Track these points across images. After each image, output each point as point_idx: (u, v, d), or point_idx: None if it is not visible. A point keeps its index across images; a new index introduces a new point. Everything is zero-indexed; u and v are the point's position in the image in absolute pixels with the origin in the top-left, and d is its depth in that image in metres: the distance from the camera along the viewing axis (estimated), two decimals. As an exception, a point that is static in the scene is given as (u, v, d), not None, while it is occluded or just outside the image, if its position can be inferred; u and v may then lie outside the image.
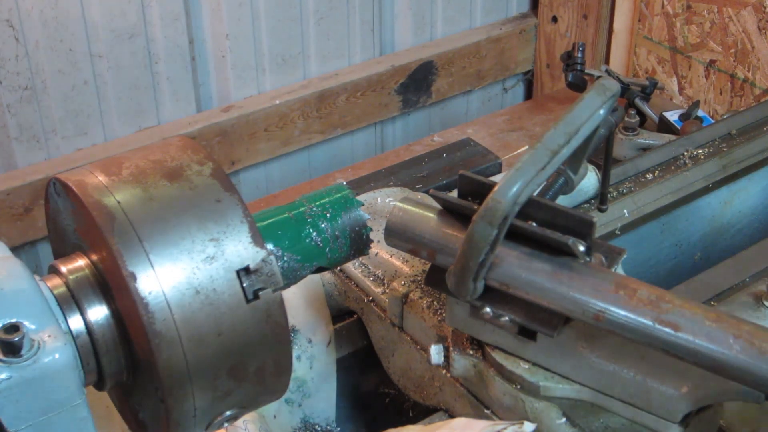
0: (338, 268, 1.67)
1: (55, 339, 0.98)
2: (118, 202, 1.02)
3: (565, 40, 3.39)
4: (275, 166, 3.10)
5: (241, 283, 1.04)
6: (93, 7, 2.54)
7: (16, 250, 2.61)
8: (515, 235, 1.23)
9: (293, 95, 2.98)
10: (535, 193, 1.21)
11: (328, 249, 1.21)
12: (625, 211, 1.86)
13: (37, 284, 1.03)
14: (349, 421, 1.80)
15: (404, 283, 1.56)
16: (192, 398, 1.04)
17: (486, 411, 1.41)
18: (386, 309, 1.60)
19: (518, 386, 1.35)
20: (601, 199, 1.63)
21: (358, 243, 1.24)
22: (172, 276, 1.00)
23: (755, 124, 2.12)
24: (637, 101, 2.88)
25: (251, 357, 1.06)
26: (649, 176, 1.94)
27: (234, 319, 1.04)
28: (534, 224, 1.23)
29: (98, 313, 1.06)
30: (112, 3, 2.57)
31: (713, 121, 2.73)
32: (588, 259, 1.23)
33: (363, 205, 1.25)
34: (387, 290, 1.60)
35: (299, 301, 1.67)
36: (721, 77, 3.00)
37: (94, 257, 1.07)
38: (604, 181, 1.58)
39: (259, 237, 1.06)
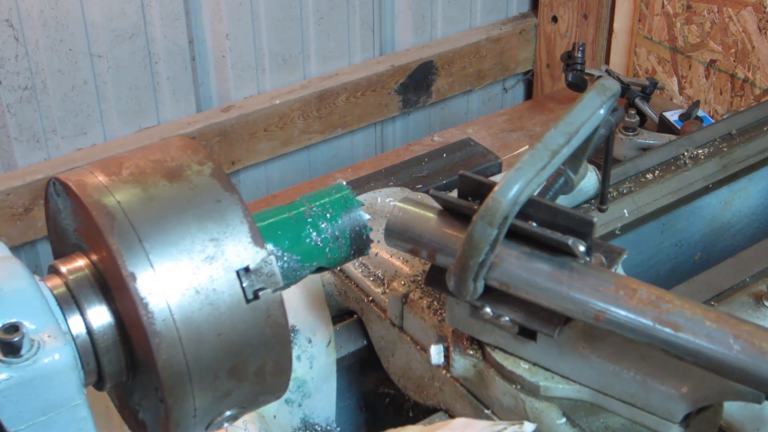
0: (338, 268, 1.67)
1: (54, 339, 0.98)
2: (118, 202, 1.02)
3: (565, 40, 3.39)
4: (275, 166, 3.10)
5: (241, 283, 1.04)
6: (93, 7, 2.54)
7: (16, 250, 2.61)
8: (515, 235, 1.23)
9: (293, 95, 2.98)
10: (535, 193, 1.21)
11: (328, 249, 1.21)
12: (625, 211, 1.86)
13: (37, 284, 1.03)
14: (349, 421, 1.80)
15: (404, 283, 1.56)
16: (192, 398, 1.04)
17: (486, 411, 1.42)
18: (386, 309, 1.60)
19: (518, 386, 1.35)
20: (601, 199, 1.63)
21: (358, 243, 1.24)
22: (172, 276, 1.01)
23: (755, 124, 2.12)
24: (637, 101, 2.88)
25: (251, 357, 1.07)
26: (649, 176, 1.94)
27: (234, 319, 1.04)
28: (534, 224, 1.23)
29: (98, 313, 1.06)
30: (112, 3, 2.57)
31: (713, 121, 2.73)
32: (588, 259, 1.23)
33: (363, 205, 1.25)
34: (387, 290, 1.60)
35: (299, 301, 1.67)
36: (722, 77, 3.00)
37: (94, 257, 1.07)
38: (604, 181, 1.58)
39: (259, 237, 1.06)
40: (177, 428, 1.07)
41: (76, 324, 1.05)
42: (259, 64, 2.95)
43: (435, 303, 1.52)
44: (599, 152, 1.49)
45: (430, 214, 1.32)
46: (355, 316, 1.71)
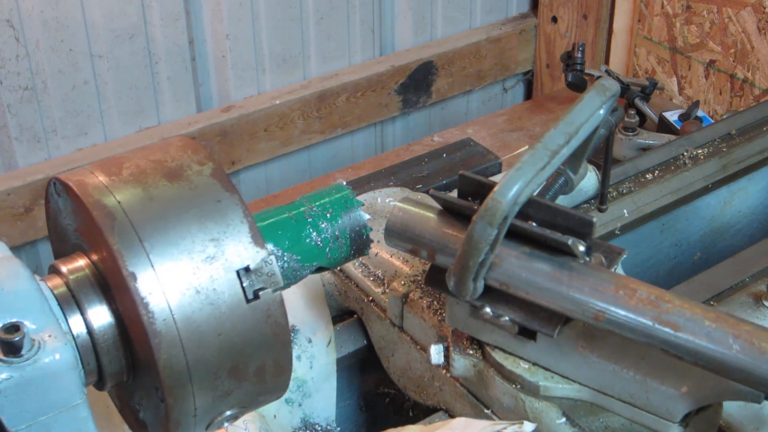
0: (338, 268, 1.67)
1: (55, 339, 0.98)
2: (119, 202, 1.03)
3: (565, 40, 3.39)
4: (275, 166, 3.10)
5: (241, 283, 1.04)
6: (93, 8, 2.54)
7: (16, 250, 2.61)
8: (515, 235, 1.23)
9: (293, 95, 2.98)
10: (535, 193, 1.21)
11: (328, 249, 1.22)
12: (625, 211, 1.87)
13: (38, 284, 1.03)
14: (349, 421, 1.80)
15: (404, 283, 1.56)
16: (192, 398, 1.04)
17: (486, 411, 1.42)
18: (386, 309, 1.60)
19: (518, 386, 1.35)
20: (600, 199, 1.63)
21: (358, 243, 1.24)
22: (172, 276, 1.01)
23: (755, 124, 2.12)
24: (637, 101, 2.89)
25: (251, 357, 1.07)
26: (649, 176, 1.94)
27: (234, 319, 1.04)
28: (534, 224, 1.23)
29: (99, 312, 1.06)
30: (113, 3, 2.57)
31: (713, 121, 2.73)
32: (588, 259, 1.23)
33: (363, 205, 1.25)
34: (387, 290, 1.60)
35: (299, 301, 1.67)
36: (721, 77, 3.00)
37: (95, 257, 1.07)
38: (603, 181, 1.58)
39: (259, 237, 1.06)
40: (177, 428, 1.07)
41: (76, 324, 1.05)
42: (259, 64, 2.95)
43: (435, 303, 1.53)
44: (599, 152, 1.49)
45: (430, 214, 1.33)
46: (355, 316, 1.71)
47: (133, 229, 1.01)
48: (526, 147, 1.38)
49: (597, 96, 1.27)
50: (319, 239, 1.20)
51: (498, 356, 1.37)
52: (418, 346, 1.54)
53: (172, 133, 2.74)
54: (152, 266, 1.00)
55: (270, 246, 1.15)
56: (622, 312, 1.17)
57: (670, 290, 1.20)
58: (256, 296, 1.04)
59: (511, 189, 1.15)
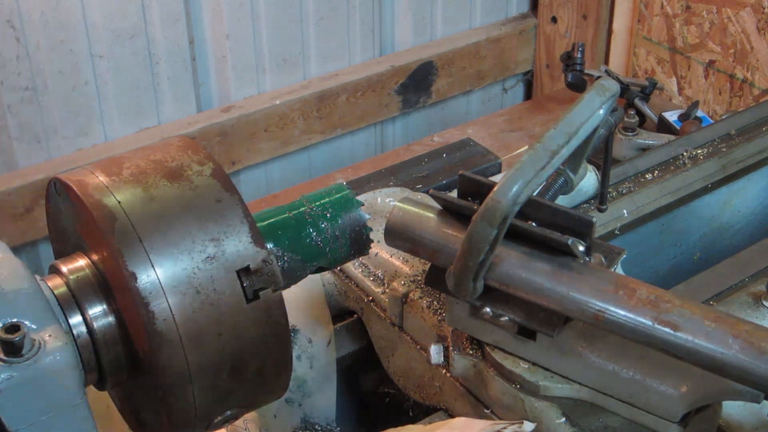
0: (338, 268, 1.67)
1: (55, 339, 0.98)
2: (119, 202, 1.03)
3: (564, 41, 3.39)
4: (275, 166, 3.10)
5: (242, 283, 1.04)
6: (93, 8, 2.54)
7: (16, 250, 2.61)
8: (515, 235, 1.23)
9: (293, 95, 2.98)
10: (534, 193, 1.21)
11: (328, 249, 1.22)
12: (625, 211, 1.87)
13: (38, 284, 1.03)
14: (349, 421, 1.80)
15: (404, 283, 1.57)
16: (192, 398, 1.04)
17: (486, 411, 1.42)
18: (386, 309, 1.60)
19: (518, 386, 1.35)
20: (600, 199, 1.63)
21: (358, 243, 1.25)
22: (172, 276, 1.01)
23: (754, 124, 2.12)
24: (637, 101, 2.89)
25: (251, 357, 1.07)
26: (649, 176, 1.94)
27: (234, 319, 1.04)
28: (534, 224, 1.23)
29: (99, 312, 1.06)
30: (113, 3, 2.57)
31: (712, 122, 2.73)
32: (588, 259, 1.23)
33: (363, 205, 1.26)
34: (387, 290, 1.60)
35: (299, 301, 1.67)
36: (721, 77, 3.00)
37: (95, 257, 1.07)
38: (603, 181, 1.58)
39: (259, 237, 1.06)
40: (177, 428, 1.07)
41: (76, 324, 1.05)
42: (259, 65, 2.95)
43: (435, 303, 1.53)
44: (599, 152, 1.49)
45: (430, 214, 1.33)
46: (355, 316, 1.71)
47: (134, 229, 1.01)
48: (526, 147, 1.38)
49: (597, 96, 1.27)
50: (320, 239, 1.21)
51: (498, 356, 1.37)
52: (418, 346, 1.55)
53: (172, 133, 2.74)
54: (152, 266, 1.00)
55: (270, 246, 1.15)
56: (622, 312, 1.17)
57: (670, 290, 1.20)
58: (256, 296, 1.05)
59: (511, 189, 1.15)
